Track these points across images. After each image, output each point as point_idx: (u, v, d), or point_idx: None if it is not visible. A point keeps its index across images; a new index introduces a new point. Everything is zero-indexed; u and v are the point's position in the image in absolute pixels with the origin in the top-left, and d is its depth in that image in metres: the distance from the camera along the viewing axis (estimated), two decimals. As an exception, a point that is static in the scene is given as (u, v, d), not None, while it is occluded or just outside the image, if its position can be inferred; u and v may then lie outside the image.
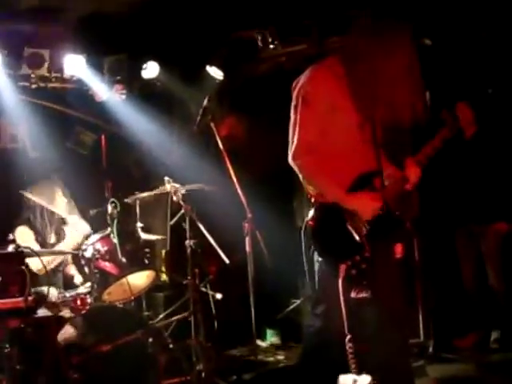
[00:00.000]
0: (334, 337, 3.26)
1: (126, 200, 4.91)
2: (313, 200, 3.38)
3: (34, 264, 4.41)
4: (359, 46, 3.30)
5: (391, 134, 3.45)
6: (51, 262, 4.87)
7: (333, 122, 3.29)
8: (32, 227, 5.12)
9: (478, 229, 5.21)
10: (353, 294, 3.24)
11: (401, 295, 3.42)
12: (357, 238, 3.24)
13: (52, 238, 5.23)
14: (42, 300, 4.11)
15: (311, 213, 3.33)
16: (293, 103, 3.37)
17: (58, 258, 5.05)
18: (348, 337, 3.15)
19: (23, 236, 4.93)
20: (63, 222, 5.37)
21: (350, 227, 3.26)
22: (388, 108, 3.28)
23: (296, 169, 3.36)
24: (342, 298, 3.15)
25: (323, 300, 3.39)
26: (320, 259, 3.33)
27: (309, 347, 3.54)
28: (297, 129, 3.30)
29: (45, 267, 4.21)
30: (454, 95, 4.80)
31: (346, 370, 3.23)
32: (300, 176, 3.40)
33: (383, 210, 3.28)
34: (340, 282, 3.16)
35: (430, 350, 5.25)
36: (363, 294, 3.26)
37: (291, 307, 6.31)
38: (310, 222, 3.29)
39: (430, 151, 3.41)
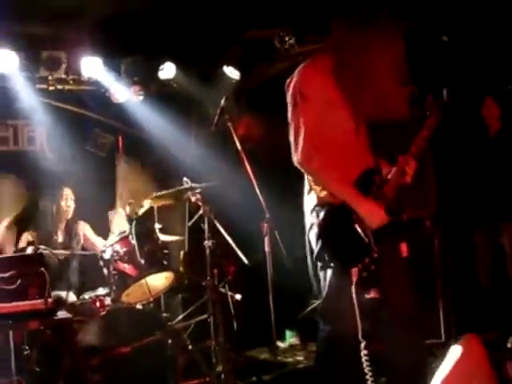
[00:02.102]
0: (346, 342, 3.24)
1: (144, 201, 4.89)
2: (317, 199, 3.34)
3: None
4: (348, 43, 3.31)
5: (382, 130, 3.44)
6: None
7: (330, 117, 3.28)
8: (40, 228, 5.18)
9: (498, 227, 5.16)
10: (365, 296, 3.21)
11: (411, 295, 3.38)
12: (365, 239, 3.21)
13: (60, 238, 5.29)
14: (61, 302, 4.12)
15: (321, 215, 3.28)
16: (290, 102, 3.34)
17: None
18: (363, 344, 3.12)
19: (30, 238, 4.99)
20: (74, 221, 5.44)
21: (358, 228, 3.23)
22: (377, 104, 3.29)
23: (306, 171, 3.34)
24: (355, 302, 3.12)
25: (333, 305, 3.35)
26: (329, 265, 3.30)
27: (322, 351, 3.51)
28: (302, 128, 3.26)
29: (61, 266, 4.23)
30: (472, 92, 4.77)
31: (359, 375, 3.21)
32: (308, 178, 3.38)
33: (387, 205, 3.25)
34: (353, 286, 3.13)
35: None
36: (374, 295, 3.23)
37: (310, 308, 6.27)
38: (320, 224, 3.26)
39: (421, 142, 3.36)
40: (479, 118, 4.84)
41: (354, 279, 3.13)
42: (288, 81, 3.39)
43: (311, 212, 3.35)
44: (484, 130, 4.93)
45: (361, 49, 3.25)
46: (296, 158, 3.32)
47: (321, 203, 3.31)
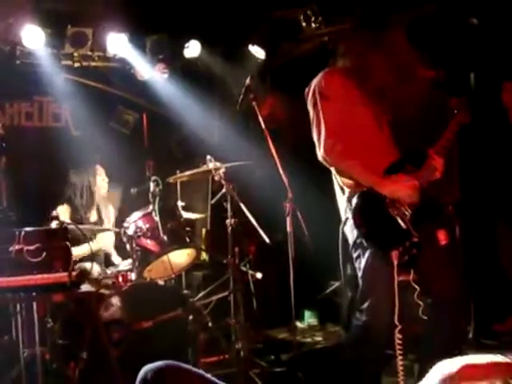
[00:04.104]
0: (382, 330, 3.26)
1: (167, 179, 4.91)
2: (348, 193, 3.36)
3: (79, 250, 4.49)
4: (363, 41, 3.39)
5: (403, 124, 3.44)
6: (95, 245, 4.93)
7: (350, 114, 3.34)
8: (72, 205, 5.19)
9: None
10: (403, 277, 3.22)
11: (452, 281, 3.37)
12: (402, 224, 3.21)
13: (93, 216, 5.29)
14: (85, 276, 4.16)
15: (353, 203, 3.29)
16: (310, 104, 3.42)
17: (101, 242, 5.10)
18: (398, 328, 3.14)
19: (63, 215, 5.00)
20: (106, 200, 5.44)
21: (393, 214, 3.24)
22: (397, 98, 3.38)
23: (331, 164, 3.38)
24: (396, 285, 3.13)
25: (369, 294, 3.36)
26: (367, 253, 3.30)
27: (355, 340, 3.53)
28: (322, 125, 3.33)
29: (90, 247, 4.27)
30: (500, 76, 4.71)
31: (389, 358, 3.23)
32: (333, 170, 3.40)
33: (422, 190, 3.25)
34: (395, 269, 3.14)
35: (470, 335, 5.18)
36: (412, 276, 3.23)
37: (330, 289, 6.28)
38: (354, 214, 3.26)
39: (446, 143, 3.39)
40: (500, 103, 4.80)
41: (395, 262, 3.14)
42: (307, 89, 3.46)
43: (345, 207, 3.38)
44: (505, 117, 4.89)
45: (372, 51, 3.36)
46: (320, 154, 3.36)
47: (351, 194, 3.33)
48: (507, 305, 5.23)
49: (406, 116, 3.44)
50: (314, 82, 3.41)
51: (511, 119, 4.92)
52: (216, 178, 4.86)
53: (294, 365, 4.78)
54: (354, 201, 3.28)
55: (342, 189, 3.41)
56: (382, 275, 3.21)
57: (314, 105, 3.37)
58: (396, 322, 3.15)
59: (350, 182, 3.34)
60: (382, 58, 3.36)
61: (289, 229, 4.98)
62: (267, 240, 4.97)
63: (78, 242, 4.64)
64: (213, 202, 5.44)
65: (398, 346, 3.16)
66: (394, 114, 3.45)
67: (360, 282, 3.38)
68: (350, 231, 3.35)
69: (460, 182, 5.00)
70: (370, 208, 3.26)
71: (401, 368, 3.15)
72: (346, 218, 3.36)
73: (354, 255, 3.36)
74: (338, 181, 3.44)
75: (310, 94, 3.40)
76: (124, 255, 5.23)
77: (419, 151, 3.37)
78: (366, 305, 3.34)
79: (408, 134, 3.45)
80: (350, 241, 3.37)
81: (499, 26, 5.09)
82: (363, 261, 3.31)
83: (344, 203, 3.39)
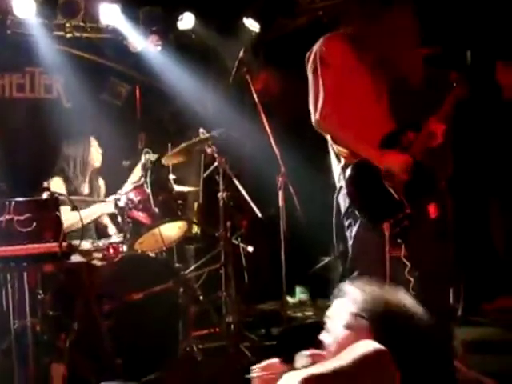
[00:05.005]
0: None
1: (162, 160, 4.85)
2: (344, 162, 3.35)
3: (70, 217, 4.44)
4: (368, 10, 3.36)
5: (403, 97, 3.44)
6: (87, 217, 4.88)
7: (349, 83, 3.32)
8: (65, 177, 5.14)
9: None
10: (393, 253, 3.22)
11: (439, 255, 3.38)
12: (395, 195, 3.22)
13: (86, 189, 5.26)
14: (75, 247, 4.14)
15: (347, 173, 3.29)
16: (310, 68, 3.38)
17: (95, 214, 5.06)
18: None
19: (56, 187, 4.95)
20: (98, 173, 5.41)
21: (387, 185, 3.24)
22: (397, 70, 3.35)
23: (325, 130, 3.36)
24: (387, 256, 3.13)
25: (359, 264, 3.36)
26: (358, 222, 3.30)
27: None
28: (320, 91, 3.30)
29: (81, 219, 4.21)
30: (495, 54, 4.69)
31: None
32: (329, 138, 3.39)
33: (415, 167, 3.25)
34: (386, 240, 3.13)
35: (459, 312, 5.22)
36: (403, 253, 3.24)
37: (321, 264, 6.30)
38: (348, 184, 3.26)
39: (449, 108, 3.37)
40: (495, 83, 4.79)
41: (387, 233, 3.14)
42: (308, 53, 3.42)
43: (339, 175, 3.37)
44: (499, 94, 4.88)
45: (379, 22, 3.32)
46: (314, 118, 3.34)
47: (346, 164, 3.33)
48: (497, 284, 5.26)
49: (405, 88, 3.43)
50: (316, 47, 3.37)
51: (505, 97, 4.93)
52: (208, 152, 4.84)
53: (284, 338, 4.80)
54: (349, 171, 3.27)
55: (338, 157, 3.39)
56: (372, 245, 3.21)
57: (314, 70, 3.34)
58: None
59: (345, 151, 3.33)
60: (385, 29, 3.34)
61: (281, 203, 4.99)
62: (259, 214, 4.97)
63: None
64: (205, 175, 5.41)
65: None
66: (394, 86, 3.43)
67: (350, 250, 3.38)
68: (343, 200, 3.34)
69: (453, 158, 5.00)
70: (364, 179, 3.26)
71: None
72: (340, 187, 3.35)
73: (346, 223, 3.36)
74: (333, 148, 3.42)
75: (311, 59, 3.36)
76: (116, 228, 5.22)
77: (416, 123, 3.36)
78: (355, 274, 3.35)
79: (406, 106, 3.44)
80: (342, 209, 3.37)
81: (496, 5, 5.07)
82: (354, 229, 3.31)
83: (339, 171, 3.38)
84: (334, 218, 3.45)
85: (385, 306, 1.95)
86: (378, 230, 3.16)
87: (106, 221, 5.32)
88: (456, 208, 5.28)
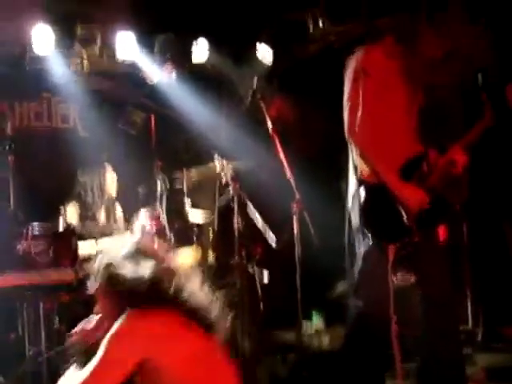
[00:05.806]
0: (377, 320, 3.25)
1: (175, 176, 4.89)
2: (360, 179, 3.35)
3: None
4: (413, 27, 3.30)
5: (432, 119, 3.44)
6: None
7: (386, 97, 3.32)
8: (82, 203, 5.19)
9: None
10: (399, 278, 3.23)
11: (447, 280, 3.38)
12: (406, 222, 3.22)
13: (102, 216, 5.29)
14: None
15: (362, 193, 3.30)
16: (350, 76, 3.37)
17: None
18: (394, 319, 3.13)
19: (72, 215, 4.99)
20: (114, 199, 5.44)
21: (400, 209, 3.24)
22: (428, 92, 3.39)
23: (355, 144, 3.36)
24: (390, 279, 3.14)
25: (366, 283, 3.37)
26: (368, 241, 3.31)
27: (352, 329, 3.53)
28: (360, 102, 3.30)
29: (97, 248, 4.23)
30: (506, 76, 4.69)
31: (388, 352, 3.21)
32: (355, 151, 3.38)
33: (431, 203, 3.27)
34: (390, 263, 3.14)
35: (479, 337, 5.15)
36: (409, 278, 3.24)
37: (337, 290, 6.26)
38: (363, 200, 3.27)
39: (473, 138, 3.37)
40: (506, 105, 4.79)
41: (391, 257, 3.14)
42: (350, 58, 3.41)
43: (355, 190, 3.38)
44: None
45: (423, 35, 3.34)
46: (348, 128, 3.34)
47: (364, 180, 3.33)
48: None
49: (436, 100, 3.43)
50: (361, 54, 3.37)
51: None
52: (223, 179, 4.86)
53: (299, 366, 4.76)
54: (365, 191, 3.28)
55: (356, 168, 3.39)
56: (380, 264, 3.21)
57: (355, 79, 3.34)
58: (392, 314, 3.15)
59: (367, 169, 3.34)
60: (434, 35, 3.34)
61: (296, 229, 4.98)
62: (273, 245, 4.95)
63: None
64: (219, 204, 5.42)
65: (394, 339, 3.15)
66: (426, 103, 3.45)
67: (359, 264, 3.37)
68: (355, 213, 3.34)
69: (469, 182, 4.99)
70: (379, 201, 3.28)
71: (399, 365, 3.15)
72: (354, 202, 3.35)
73: (356, 238, 3.37)
74: (353, 157, 3.41)
75: (354, 65, 3.37)
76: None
77: (440, 143, 3.37)
78: (363, 289, 3.35)
79: (434, 124, 3.45)
80: (354, 222, 3.37)
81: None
82: (364, 245, 3.32)
83: (354, 183, 3.38)
84: (346, 235, 3.46)
85: None
86: (384, 251, 3.17)
87: None
88: (472, 231, 5.27)
